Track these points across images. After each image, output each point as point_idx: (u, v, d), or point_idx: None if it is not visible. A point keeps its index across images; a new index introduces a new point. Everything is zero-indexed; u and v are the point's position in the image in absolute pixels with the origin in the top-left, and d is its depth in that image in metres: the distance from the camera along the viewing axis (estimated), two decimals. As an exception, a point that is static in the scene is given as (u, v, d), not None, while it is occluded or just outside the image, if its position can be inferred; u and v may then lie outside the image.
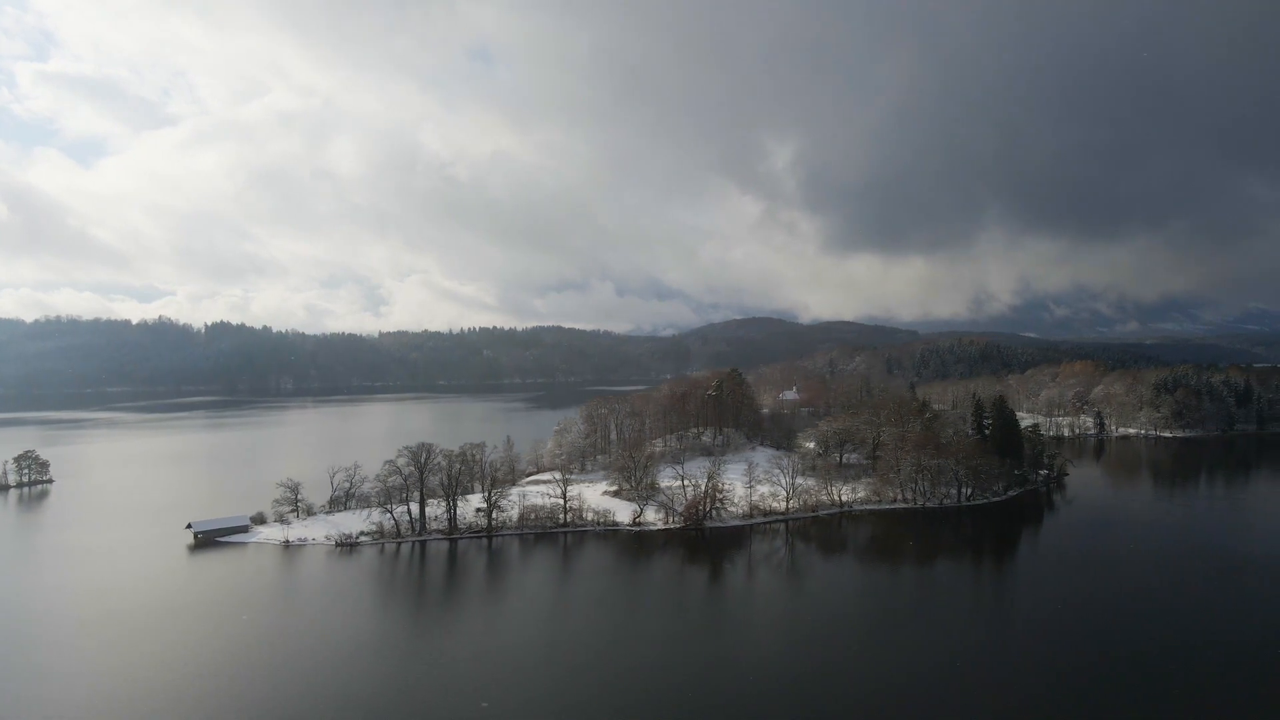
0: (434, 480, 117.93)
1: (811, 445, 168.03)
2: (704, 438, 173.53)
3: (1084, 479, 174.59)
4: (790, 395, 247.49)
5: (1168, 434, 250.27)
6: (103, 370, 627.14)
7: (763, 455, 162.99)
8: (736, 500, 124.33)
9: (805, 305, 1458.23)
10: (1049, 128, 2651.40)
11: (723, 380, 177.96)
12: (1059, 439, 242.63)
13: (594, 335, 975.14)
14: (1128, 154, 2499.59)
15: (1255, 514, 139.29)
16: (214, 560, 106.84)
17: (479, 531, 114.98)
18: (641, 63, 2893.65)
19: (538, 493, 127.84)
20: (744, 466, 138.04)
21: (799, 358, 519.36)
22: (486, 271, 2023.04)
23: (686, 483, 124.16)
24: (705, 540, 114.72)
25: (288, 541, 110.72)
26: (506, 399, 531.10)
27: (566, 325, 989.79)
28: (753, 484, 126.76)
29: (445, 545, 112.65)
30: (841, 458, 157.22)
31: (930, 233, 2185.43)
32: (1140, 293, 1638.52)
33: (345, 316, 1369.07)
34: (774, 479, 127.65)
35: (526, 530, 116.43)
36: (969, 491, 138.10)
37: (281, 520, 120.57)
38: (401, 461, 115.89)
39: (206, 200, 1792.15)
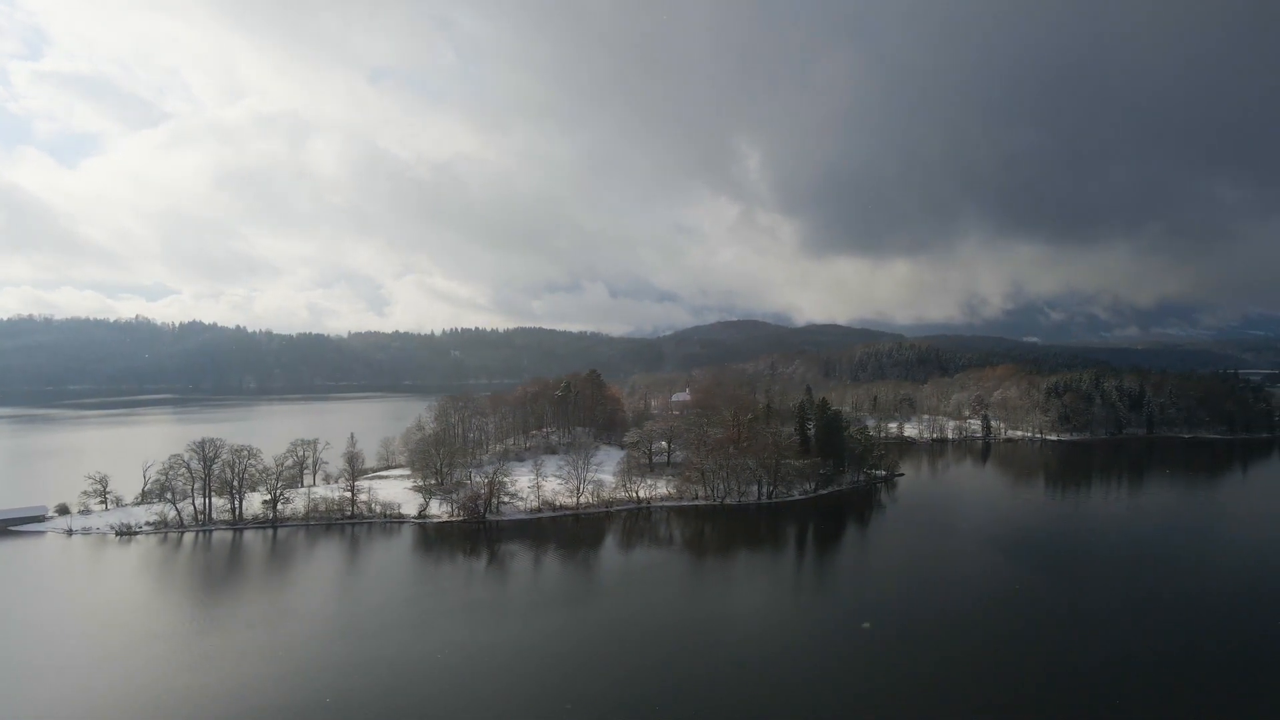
0: (229, 473, 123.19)
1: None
2: (553, 437, 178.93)
3: (926, 480, 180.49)
4: (682, 397, 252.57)
5: (1054, 437, 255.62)
6: (68, 368, 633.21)
7: (604, 455, 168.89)
8: (525, 495, 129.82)
9: (799, 308, 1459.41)
10: (1013, 132, 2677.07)
11: (570, 381, 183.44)
12: (943, 441, 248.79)
13: (567, 336, 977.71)
14: (1096, 158, 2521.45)
15: (1070, 512, 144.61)
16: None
17: (264, 522, 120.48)
18: (606, 68, 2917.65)
19: (345, 486, 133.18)
20: (556, 463, 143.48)
21: (747, 360, 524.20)
22: (483, 273, 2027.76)
23: (478, 478, 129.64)
24: (482, 532, 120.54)
25: (70, 530, 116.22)
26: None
27: (560, 327, 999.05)
28: (539, 479, 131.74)
29: (229, 535, 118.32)
30: (670, 456, 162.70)
31: (908, 235, 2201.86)
32: (1134, 297, 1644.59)
33: (348, 316, 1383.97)
34: (565, 475, 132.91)
35: (312, 522, 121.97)
36: (769, 490, 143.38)
37: (85, 510, 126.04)
38: (188, 455, 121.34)
39: (199, 200, 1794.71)
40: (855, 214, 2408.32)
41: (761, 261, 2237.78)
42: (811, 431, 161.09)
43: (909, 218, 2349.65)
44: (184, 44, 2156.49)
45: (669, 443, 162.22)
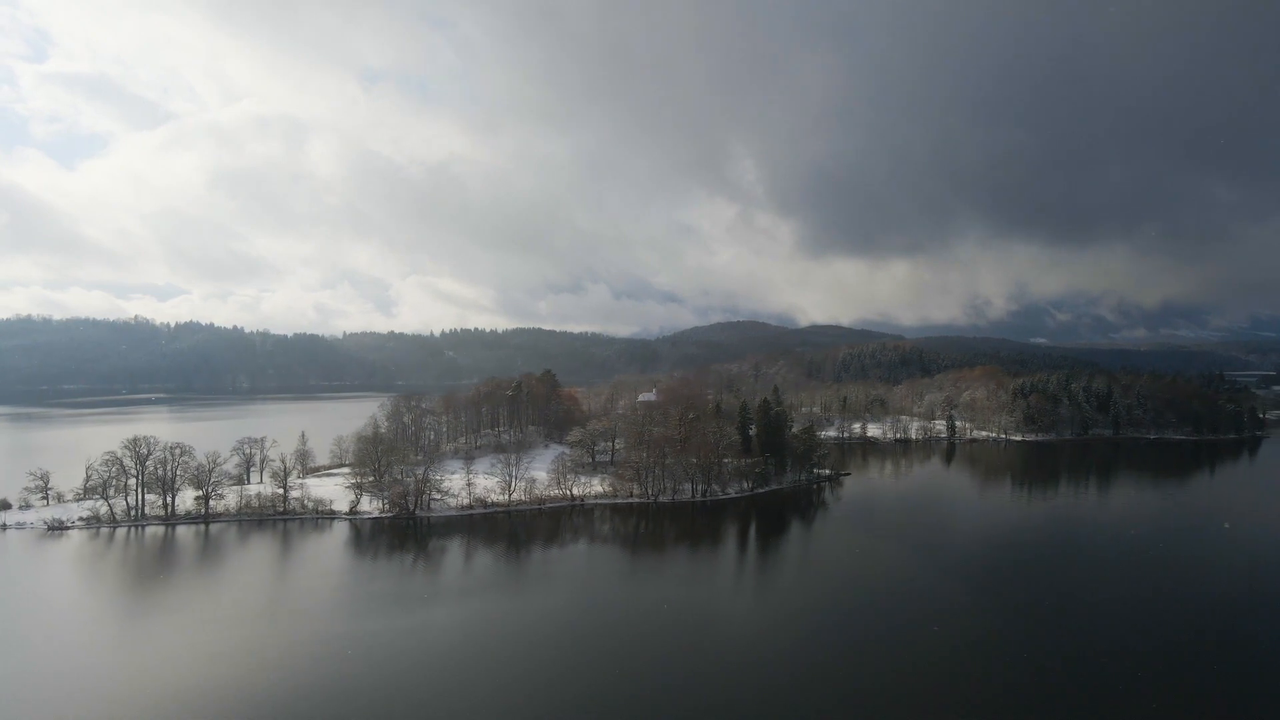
0: (163, 470, 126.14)
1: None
2: (504, 436, 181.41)
3: (872, 479, 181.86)
4: (649, 397, 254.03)
5: (1018, 437, 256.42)
6: (63, 368, 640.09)
7: (552, 453, 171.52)
8: (456, 492, 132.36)
9: (801, 309, 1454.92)
10: (1004, 132, 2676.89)
11: (521, 381, 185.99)
12: (906, 441, 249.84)
13: (565, 337, 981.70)
14: (1088, 159, 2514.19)
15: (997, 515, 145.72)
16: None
17: (196, 518, 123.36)
18: (599, 70, 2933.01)
19: (279, 483, 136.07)
20: (491, 461, 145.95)
21: (729, 362, 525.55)
22: (486, 275, 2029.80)
23: (410, 476, 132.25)
24: (412, 528, 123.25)
25: (5, 525, 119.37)
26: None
27: (562, 329, 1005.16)
28: (470, 477, 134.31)
29: (161, 530, 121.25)
30: (613, 455, 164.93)
31: (903, 236, 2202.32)
32: (1140, 298, 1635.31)
33: (356, 317, 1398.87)
34: (496, 472, 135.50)
35: (244, 518, 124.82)
36: (704, 488, 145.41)
37: (25, 506, 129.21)
38: (121, 453, 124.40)
39: (198, 201, 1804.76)
40: (850, 214, 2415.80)
41: (760, 262, 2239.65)
42: (753, 431, 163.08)
43: (903, 218, 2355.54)
44: (184, 45, 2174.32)
45: (612, 441, 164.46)
